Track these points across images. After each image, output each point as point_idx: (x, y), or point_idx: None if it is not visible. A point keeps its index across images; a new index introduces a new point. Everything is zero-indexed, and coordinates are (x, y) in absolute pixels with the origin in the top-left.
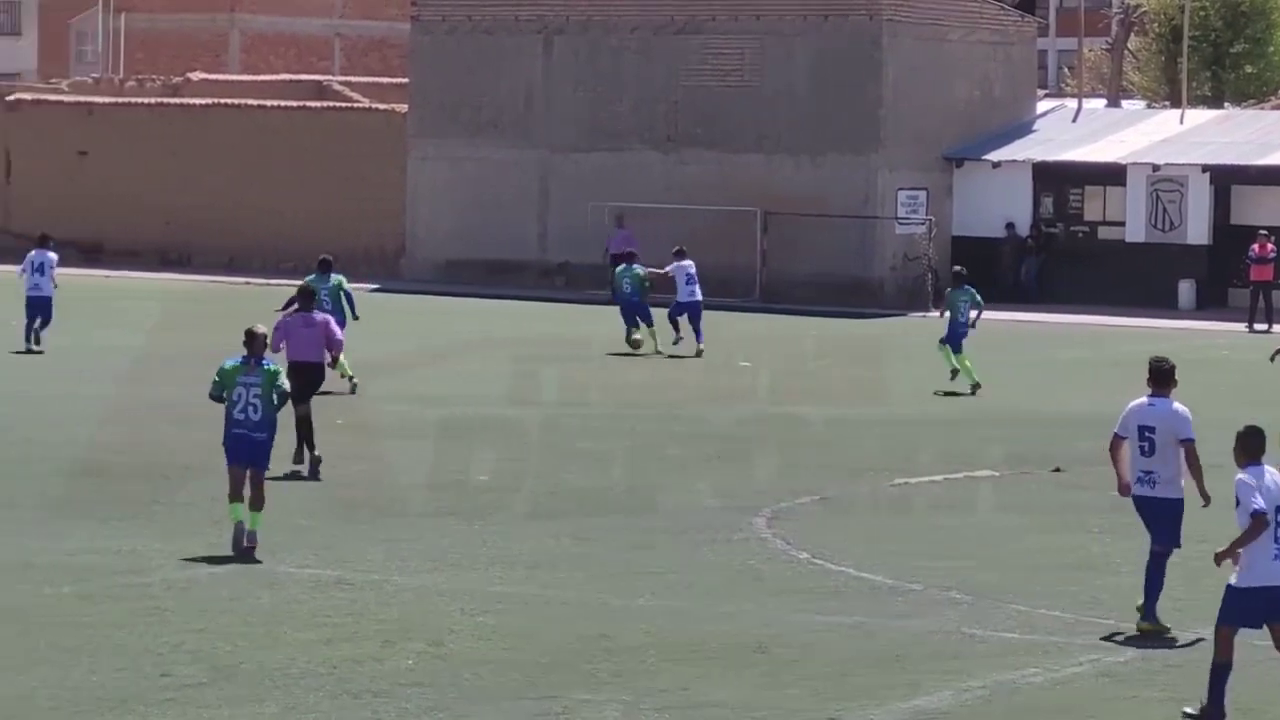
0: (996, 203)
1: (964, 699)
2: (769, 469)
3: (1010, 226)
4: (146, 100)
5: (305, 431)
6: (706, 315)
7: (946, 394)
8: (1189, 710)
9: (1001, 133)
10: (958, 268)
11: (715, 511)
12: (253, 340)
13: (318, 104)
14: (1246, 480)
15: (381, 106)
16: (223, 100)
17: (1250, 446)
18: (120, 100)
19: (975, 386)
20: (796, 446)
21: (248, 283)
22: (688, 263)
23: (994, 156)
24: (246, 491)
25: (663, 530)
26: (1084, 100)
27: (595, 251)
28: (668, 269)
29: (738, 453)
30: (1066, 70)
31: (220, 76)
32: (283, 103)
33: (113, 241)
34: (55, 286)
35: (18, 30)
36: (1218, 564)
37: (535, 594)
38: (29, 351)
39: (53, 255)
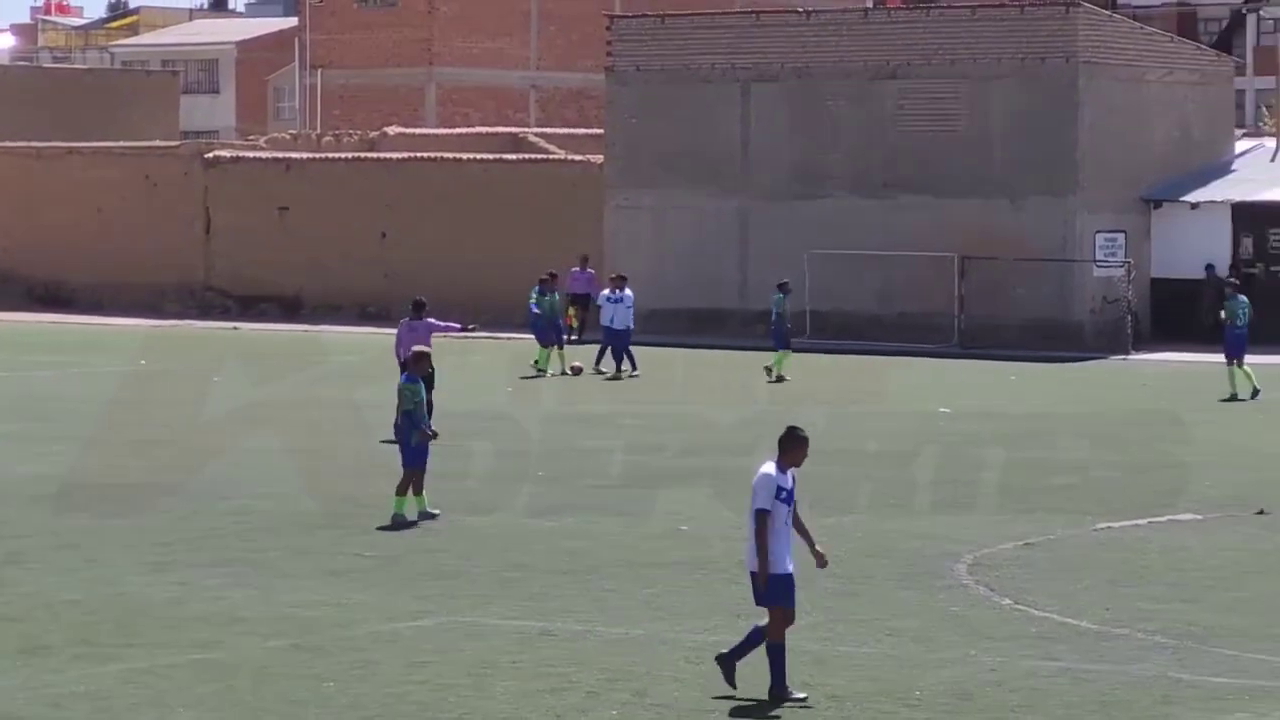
0: (1196, 244)
1: None
2: (975, 514)
3: (1210, 268)
4: (344, 155)
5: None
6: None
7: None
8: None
9: (1200, 173)
10: (783, 280)
11: (917, 558)
12: None
13: (514, 156)
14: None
15: (578, 157)
16: (420, 154)
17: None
18: (318, 155)
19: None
20: (1000, 492)
21: (446, 335)
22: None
23: (1192, 198)
24: None
25: (864, 578)
26: None
27: (799, 299)
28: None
29: (946, 500)
30: (1264, 109)
31: (417, 130)
32: (479, 155)
33: (312, 296)
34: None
35: (216, 88)
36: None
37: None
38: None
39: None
